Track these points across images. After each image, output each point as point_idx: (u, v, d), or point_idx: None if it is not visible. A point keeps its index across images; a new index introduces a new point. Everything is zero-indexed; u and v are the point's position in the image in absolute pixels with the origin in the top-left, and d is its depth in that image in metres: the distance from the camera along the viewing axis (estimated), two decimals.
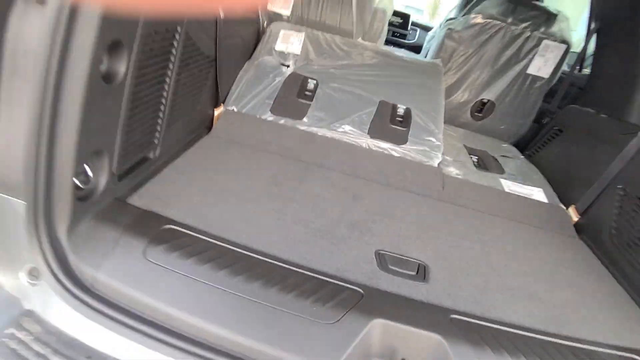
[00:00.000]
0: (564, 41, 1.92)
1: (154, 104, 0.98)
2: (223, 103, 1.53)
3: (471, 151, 1.81)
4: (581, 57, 1.97)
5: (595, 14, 1.82)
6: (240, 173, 1.21)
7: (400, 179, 1.40)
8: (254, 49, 1.78)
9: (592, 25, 1.83)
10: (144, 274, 0.76)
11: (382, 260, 0.97)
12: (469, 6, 2.47)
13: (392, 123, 1.57)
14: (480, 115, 2.11)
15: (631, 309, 1.05)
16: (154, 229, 0.85)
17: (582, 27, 2.01)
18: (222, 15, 1.25)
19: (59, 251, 0.74)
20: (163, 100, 1.02)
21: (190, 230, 0.88)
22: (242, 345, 0.70)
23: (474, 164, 1.68)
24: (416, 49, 3.12)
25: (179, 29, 0.99)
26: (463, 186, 1.45)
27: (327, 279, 0.84)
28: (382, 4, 1.84)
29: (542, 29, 1.91)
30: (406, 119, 1.60)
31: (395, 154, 1.49)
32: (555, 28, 1.91)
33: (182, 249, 0.81)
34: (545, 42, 1.92)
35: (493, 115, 2.10)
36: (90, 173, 0.82)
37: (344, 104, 1.60)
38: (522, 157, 1.93)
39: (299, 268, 0.85)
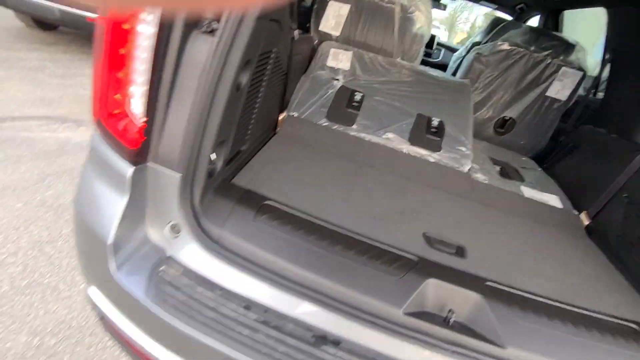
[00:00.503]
0: (580, 68, 2.16)
1: (251, 108, 1.25)
2: (285, 109, 1.80)
3: (495, 162, 2.04)
4: (596, 82, 2.20)
5: (610, 46, 2.06)
6: (307, 167, 1.46)
7: (435, 180, 1.64)
8: (309, 64, 2.05)
9: (607, 56, 2.06)
10: (256, 234, 1.01)
11: (428, 240, 1.20)
12: (492, 32, 2.73)
13: (427, 133, 1.81)
14: (502, 130, 2.35)
15: (630, 294, 1.27)
16: (258, 203, 1.10)
17: (597, 52, 2.23)
18: (297, 35, 1.52)
19: (195, 213, 0.99)
20: (256, 105, 1.28)
21: (282, 206, 1.13)
22: (332, 288, 0.94)
23: (498, 173, 1.91)
24: (441, 66, 3.38)
25: (274, 49, 1.25)
26: (489, 190, 1.68)
27: (389, 248, 1.08)
28: (421, 30, 2.10)
29: (561, 57, 2.16)
30: (440, 130, 1.84)
31: (431, 160, 1.73)
32: (573, 57, 2.16)
33: (281, 218, 1.06)
34: (563, 68, 2.16)
35: (514, 132, 2.34)
36: (213, 157, 1.08)
37: (386, 115, 1.85)
38: (540, 169, 2.15)
39: (367, 239, 1.09)
